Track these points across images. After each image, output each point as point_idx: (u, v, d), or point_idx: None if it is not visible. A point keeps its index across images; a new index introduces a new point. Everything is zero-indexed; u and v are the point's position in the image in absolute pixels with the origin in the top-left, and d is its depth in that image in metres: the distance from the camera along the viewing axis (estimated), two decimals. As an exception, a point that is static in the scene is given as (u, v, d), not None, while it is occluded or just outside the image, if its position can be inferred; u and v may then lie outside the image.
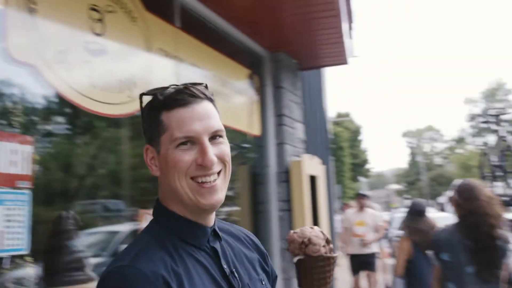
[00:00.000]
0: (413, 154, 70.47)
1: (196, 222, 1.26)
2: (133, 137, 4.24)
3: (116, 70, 3.16)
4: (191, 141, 1.20)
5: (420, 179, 62.97)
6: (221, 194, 1.24)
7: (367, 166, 46.97)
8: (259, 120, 5.23)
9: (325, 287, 1.11)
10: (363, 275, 9.06)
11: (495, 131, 7.74)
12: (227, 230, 1.43)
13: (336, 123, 34.45)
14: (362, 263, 8.79)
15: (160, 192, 1.30)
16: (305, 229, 1.15)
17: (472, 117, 10.02)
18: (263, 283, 1.35)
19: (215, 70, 4.55)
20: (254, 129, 5.12)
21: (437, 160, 70.21)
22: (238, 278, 1.27)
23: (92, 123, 3.98)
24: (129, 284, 1.08)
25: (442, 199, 55.02)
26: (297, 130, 5.74)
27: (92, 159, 4.34)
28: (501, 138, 7.79)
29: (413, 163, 69.75)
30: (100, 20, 3.07)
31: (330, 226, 8.30)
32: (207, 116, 1.22)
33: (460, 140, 61.97)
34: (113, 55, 3.16)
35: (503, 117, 7.99)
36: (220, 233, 1.33)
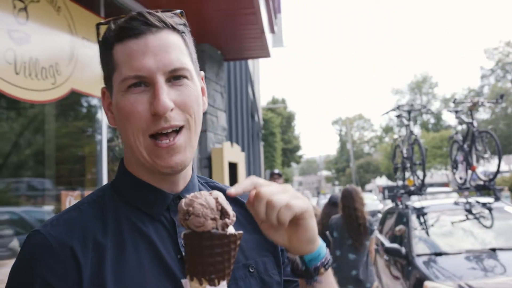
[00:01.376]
0: (342, 142, 72.71)
1: (153, 186, 1.04)
2: (59, 115, 4.39)
3: (40, 58, 3.32)
4: (144, 82, 0.96)
5: (349, 167, 65.19)
6: (183, 154, 0.99)
7: (299, 152, 48.00)
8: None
9: (211, 276, 0.84)
10: None
11: (407, 126, 8.41)
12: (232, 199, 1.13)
13: (270, 109, 35.03)
14: None
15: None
16: (200, 194, 0.87)
17: (397, 108, 10.78)
18: (252, 270, 1.07)
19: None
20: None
21: (366, 148, 72.88)
22: None
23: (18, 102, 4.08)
24: (31, 252, 0.95)
25: (370, 186, 57.23)
26: (220, 119, 6.05)
27: (17, 137, 4.43)
28: (411, 132, 8.44)
29: (342, 151, 72.04)
30: (24, 9, 3.22)
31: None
32: (164, 49, 0.96)
33: (387, 130, 64.66)
34: (37, 43, 3.31)
35: (414, 113, 8.69)
36: None
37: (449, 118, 62.59)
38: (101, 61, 1.05)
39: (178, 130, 0.98)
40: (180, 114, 0.98)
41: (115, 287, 0.92)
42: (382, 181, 57.40)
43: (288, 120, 43.17)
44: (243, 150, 6.82)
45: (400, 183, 8.90)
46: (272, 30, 6.13)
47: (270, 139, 31.24)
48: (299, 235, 0.96)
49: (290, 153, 43.82)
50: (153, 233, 1.00)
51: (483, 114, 45.79)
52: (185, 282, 0.89)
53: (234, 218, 0.88)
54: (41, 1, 3.38)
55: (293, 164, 52.75)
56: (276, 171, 7.67)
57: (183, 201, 0.86)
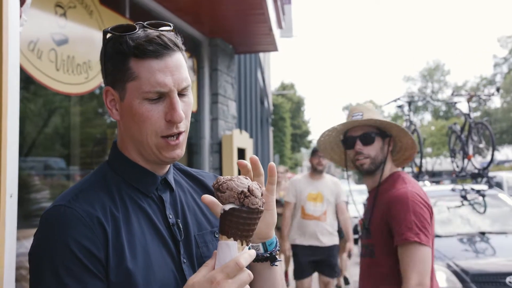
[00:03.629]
0: (352, 128, 72.43)
1: (147, 169, 1.26)
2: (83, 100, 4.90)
3: (76, 56, 3.84)
4: (161, 95, 1.17)
5: (358, 152, 64.95)
6: (182, 149, 1.24)
7: (309, 137, 48.12)
8: (195, 98, 6.01)
9: (248, 239, 1.07)
10: (315, 280, 6.33)
11: (407, 115, 8.86)
12: (193, 178, 1.43)
13: (280, 95, 35.26)
14: (316, 262, 5.83)
15: (118, 135, 1.30)
16: (242, 178, 1.08)
17: (398, 99, 10.89)
18: (216, 235, 1.31)
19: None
20: (192, 106, 5.90)
21: (376, 134, 72.63)
22: (182, 230, 1.26)
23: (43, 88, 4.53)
24: (62, 223, 1.10)
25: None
26: (230, 108, 6.56)
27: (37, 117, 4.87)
28: (411, 122, 8.89)
29: (352, 137, 71.74)
30: (63, 14, 3.73)
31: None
32: (178, 69, 1.18)
33: (396, 118, 64.64)
34: (73, 43, 3.83)
35: (413, 104, 9.13)
36: (174, 182, 1.34)
37: (461, 106, 62.36)
38: (108, 64, 1.22)
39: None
40: (184, 120, 1.22)
41: (129, 250, 1.13)
42: (391, 167, 57.25)
43: (297, 105, 43.27)
44: (251, 136, 7.33)
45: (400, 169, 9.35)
46: (280, 26, 6.59)
47: (280, 124, 31.45)
48: (267, 219, 1.24)
49: (300, 138, 43.97)
50: (148, 207, 1.24)
51: (495, 103, 45.80)
52: (233, 243, 1.05)
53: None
54: (77, 7, 3.89)
55: (303, 149, 52.96)
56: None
57: (232, 182, 1.07)
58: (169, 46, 1.17)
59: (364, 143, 2.61)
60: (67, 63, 3.71)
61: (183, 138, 1.24)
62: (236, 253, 1.05)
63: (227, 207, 1.05)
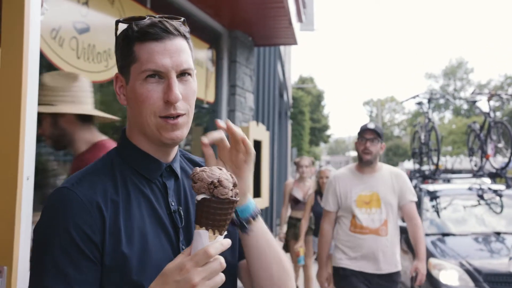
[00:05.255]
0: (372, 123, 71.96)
1: (152, 156, 1.28)
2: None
3: (96, 44, 3.91)
4: (159, 75, 1.20)
5: (377, 148, 64.53)
6: (182, 131, 1.25)
7: (328, 131, 47.89)
8: (214, 89, 6.06)
9: (221, 229, 1.10)
10: None
11: (426, 113, 8.82)
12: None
13: (300, 88, 35.15)
14: None
15: (127, 122, 1.34)
16: (215, 169, 1.11)
17: (417, 95, 10.77)
18: None
19: (179, 44, 5.31)
20: (209, 97, 5.95)
21: (396, 131, 72.24)
22: (183, 217, 1.28)
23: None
24: (63, 205, 1.15)
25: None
26: (247, 100, 6.60)
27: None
28: (429, 119, 8.86)
29: (372, 132, 71.23)
30: (86, 3, 3.80)
31: (270, 186, 8.94)
32: (177, 52, 1.21)
33: (417, 114, 63.96)
34: (94, 32, 3.90)
35: (433, 101, 9.10)
36: (180, 170, 1.36)
37: (481, 105, 61.41)
38: (119, 53, 1.29)
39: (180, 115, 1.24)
40: (184, 104, 1.23)
41: (125, 235, 1.16)
42: (410, 164, 57.04)
43: (317, 99, 43.07)
44: (268, 128, 7.36)
45: (417, 166, 9.35)
46: (300, 20, 6.59)
47: (299, 117, 31.35)
48: (238, 186, 1.21)
49: (319, 132, 43.79)
50: (150, 193, 1.26)
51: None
52: (204, 232, 1.08)
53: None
54: (99, -4, 3.96)
55: (322, 144, 52.75)
56: (370, 125, 4.38)
57: (204, 173, 1.10)
58: (169, 30, 1.22)
59: None
60: (88, 51, 3.78)
61: (183, 121, 1.25)
62: (207, 242, 1.07)
63: (199, 197, 1.09)
